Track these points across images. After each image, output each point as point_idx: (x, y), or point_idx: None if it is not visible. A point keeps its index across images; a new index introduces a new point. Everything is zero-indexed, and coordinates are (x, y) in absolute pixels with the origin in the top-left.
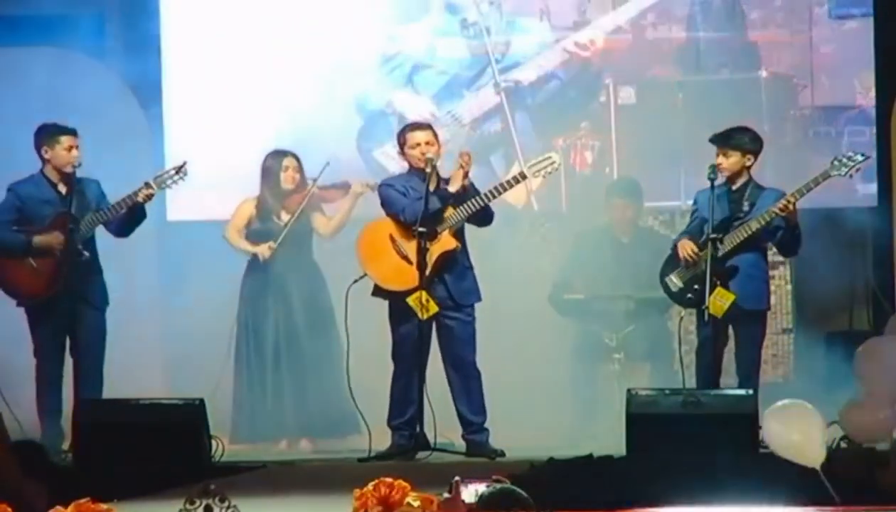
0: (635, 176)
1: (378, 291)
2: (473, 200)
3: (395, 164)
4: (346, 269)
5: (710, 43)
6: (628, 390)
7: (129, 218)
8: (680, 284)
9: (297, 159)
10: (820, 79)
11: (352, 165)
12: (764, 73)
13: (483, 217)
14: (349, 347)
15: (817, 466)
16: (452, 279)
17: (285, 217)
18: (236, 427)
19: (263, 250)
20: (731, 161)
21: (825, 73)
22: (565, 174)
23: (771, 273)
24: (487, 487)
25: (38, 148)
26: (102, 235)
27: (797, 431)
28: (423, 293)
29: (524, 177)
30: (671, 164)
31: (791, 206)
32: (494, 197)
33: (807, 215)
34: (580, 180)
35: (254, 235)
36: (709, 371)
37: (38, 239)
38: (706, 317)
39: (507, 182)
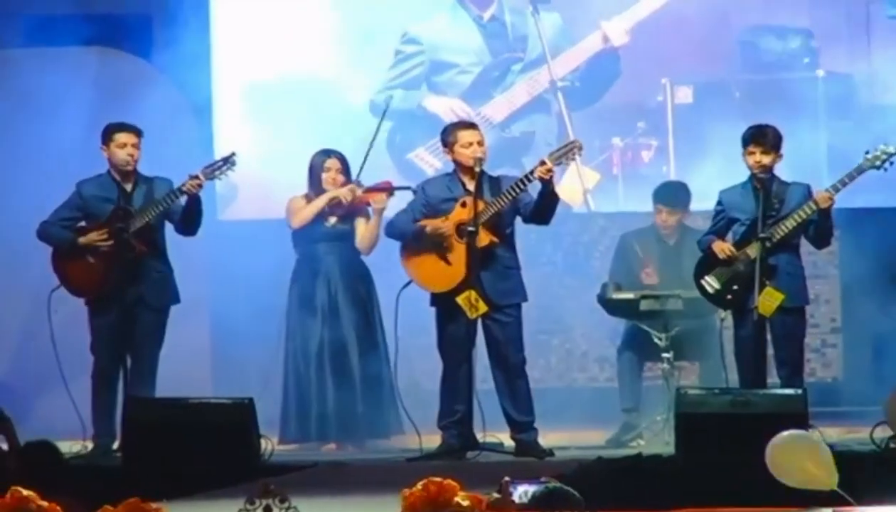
0: (692, 176)
1: (432, 299)
2: (506, 193)
3: (429, 167)
4: (394, 267)
5: (767, 42)
6: (677, 389)
7: (187, 213)
8: (717, 286)
9: (342, 159)
10: (877, 78)
11: (384, 169)
12: (821, 72)
13: (540, 212)
14: (398, 350)
15: (834, 487)
16: (492, 279)
17: (332, 219)
18: (285, 427)
19: (345, 193)
20: (769, 158)
21: (883, 71)
22: (623, 174)
23: (820, 272)
24: (538, 487)
25: (101, 146)
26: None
27: (807, 461)
28: (473, 292)
29: (544, 164)
30: (728, 164)
31: (829, 203)
32: (522, 189)
33: (857, 213)
34: (637, 180)
35: (302, 233)
36: (754, 371)
37: (87, 239)
38: (754, 316)
39: (532, 172)
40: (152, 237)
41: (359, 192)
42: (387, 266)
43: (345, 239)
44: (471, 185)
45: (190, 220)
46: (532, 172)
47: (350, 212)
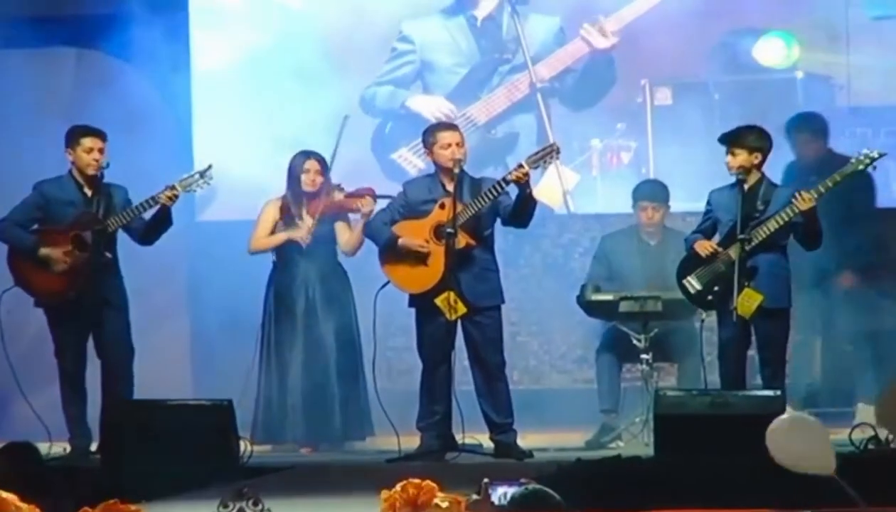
0: (671, 177)
1: (411, 300)
2: (483, 196)
3: (412, 168)
4: (371, 271)
5: (746, 43)
6: (656, 391)
7: (155, 223)
8: (699, 287)
9: (321, 161)
10: (856, 79)
11: (367, 168)
12: (800, 74)
13: (517, 216)
14: (376, 351)
15: (832, 473)
16: (470, 281)
17: (308, 220)
18: (256, 428)
19: (303, 235)
20: (738, 159)
21: (861, 73)
22: (602, 175)
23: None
24: (517, 488)
25: (65, 148)
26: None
27: (803, 443)
28: (452, 294)
29: (521, 168)
30: (707, 165)
31: (809, 205)
32: (499, 192)
33: (837, 216)
34: (617, 181)
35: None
36: (734, 372)
37: (46, 250)
38: (734, 317)
39: (508, 176)
40: (114, 243)
41: (340, 196)
42: (366, 267)
43: (323, 241)
44: (451, 187)
45: (155, 230)
46: (508, 176)
47: (331, 215)
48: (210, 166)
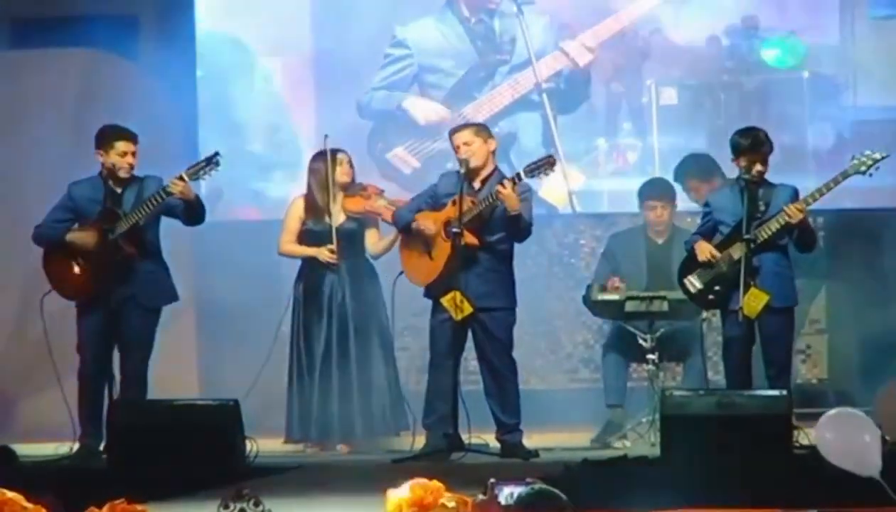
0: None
1: (426, 292)
2: (483, 199)
3: (407, 167)
4: (391, 269)
5: (752, 43)
6: (662, 391)
7: (188, 208)
8: (700, 286)
9: (347, 154)
10: (861, 79)
11: (364, 168)
12: (806, 74)
13: (515, 230)
14: (394, 345)
15: (875, 474)
16: (473, 281)
17: (340, 216)
18: (290, 427)
19: (324, 254)
20: (766, 165)
21: (867, 73)
22: (608, 175)
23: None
24: (523, 488)
25: (96, 149)
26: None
27: (853, 440)
28: (458, 294)
29: (520, 178)
30: None
31: (799, 217)
32: (493, 200)
33: (842, 215)
34: (623, 181)
35: (310, 233)
36: (740, 371)
37: (74, 236)
38: (739, 317)
39: (502, 184)
40: (141, 238)
41: (381, 202)
42: (392, 263)
43: (353, 239)
44: (474, 184)
45: (191, 213)
46: (500, 188)
47: (361, 214)
48: (217, 153)
